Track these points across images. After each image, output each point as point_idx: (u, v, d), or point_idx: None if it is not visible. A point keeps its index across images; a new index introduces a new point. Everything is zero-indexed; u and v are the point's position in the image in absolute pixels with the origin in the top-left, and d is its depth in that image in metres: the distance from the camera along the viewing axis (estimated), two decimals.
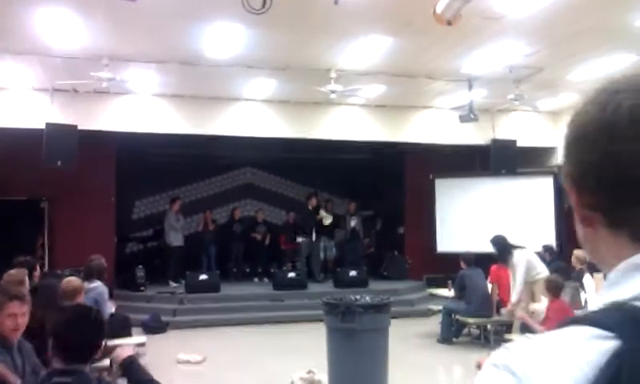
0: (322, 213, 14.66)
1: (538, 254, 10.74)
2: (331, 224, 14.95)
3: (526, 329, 7.67)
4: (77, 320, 3.08)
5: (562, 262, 10.20)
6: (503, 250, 9.03)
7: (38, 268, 7.64)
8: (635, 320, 0.69)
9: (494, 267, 9.89)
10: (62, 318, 3.11)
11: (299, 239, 14.45)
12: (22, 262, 7.09)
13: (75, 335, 2.98)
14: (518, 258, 8.71)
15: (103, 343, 3.29)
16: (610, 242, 0.79)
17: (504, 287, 9.54)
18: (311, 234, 14.50)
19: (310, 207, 14.67)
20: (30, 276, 6.67)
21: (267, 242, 15.22)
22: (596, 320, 0.71)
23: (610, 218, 0.78)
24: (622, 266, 0.76)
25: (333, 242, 15.40)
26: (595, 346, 0.69)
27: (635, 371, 0.65)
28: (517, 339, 0.76)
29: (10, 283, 5.30)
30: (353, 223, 15.27)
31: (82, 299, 5.94)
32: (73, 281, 6.03)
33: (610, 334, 0.69)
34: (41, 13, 7.52)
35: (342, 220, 15.68)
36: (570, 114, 0.86)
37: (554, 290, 7.19)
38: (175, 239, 13.88)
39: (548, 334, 0.75)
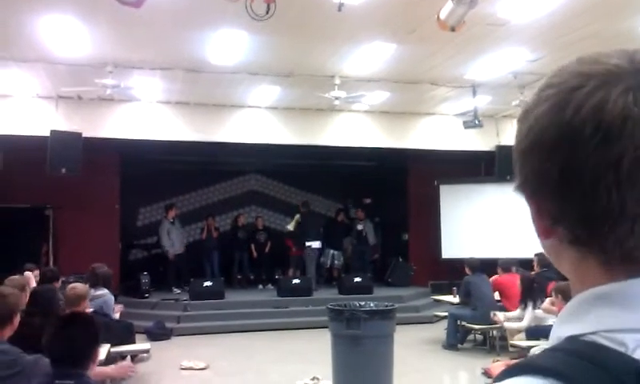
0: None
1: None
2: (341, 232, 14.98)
3: (534, 333, 7.69)
4: (66, 328, 2.95)
5: None
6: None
7: (33, 275, 7.65)
8: (593, 364, 0.59)
9: (497, 278, 9.83)
10: (51, 327, 2.99)
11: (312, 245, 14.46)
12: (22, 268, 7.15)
13: (65, 343, 2.86)
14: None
15: (103, 350, 3.17)
16: (574, 261, 0.69)
17: (507, 296, 9.48)
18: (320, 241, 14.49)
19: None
20: None
21: (267, 248, 15.17)
22: (550, 368, 0.61)
23: (575, 235, 0.67)
24: (587, 294, 0.66)
25: (340, 251, 15.33)
26: None
27: None
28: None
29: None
30: (360, 228, 15.22)
31: (86, 305, 5.92)
32: (77, 288, 5.87)
33: None
34: (45, 20, 7.55)
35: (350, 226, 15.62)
36: None
37: (565, 297, 7.18)
38: (171, 247, 13.69)
39: None
